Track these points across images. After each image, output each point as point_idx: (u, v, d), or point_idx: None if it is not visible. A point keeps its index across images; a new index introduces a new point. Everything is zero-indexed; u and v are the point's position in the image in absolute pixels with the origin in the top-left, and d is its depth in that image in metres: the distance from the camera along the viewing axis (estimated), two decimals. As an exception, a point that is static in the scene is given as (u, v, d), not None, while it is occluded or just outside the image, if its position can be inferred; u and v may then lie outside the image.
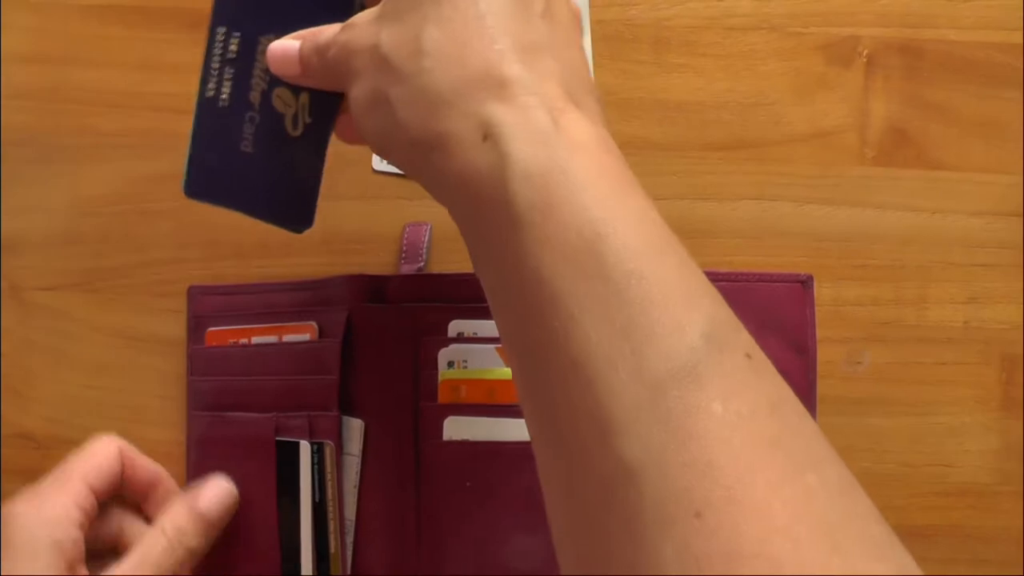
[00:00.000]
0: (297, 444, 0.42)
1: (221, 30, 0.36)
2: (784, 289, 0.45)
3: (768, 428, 0.23)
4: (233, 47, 0.36)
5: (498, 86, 0.27)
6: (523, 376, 0.27)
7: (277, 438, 0.42)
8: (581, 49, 0.31)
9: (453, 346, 0.43)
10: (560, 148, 0.26)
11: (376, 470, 0.43)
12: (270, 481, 0.42)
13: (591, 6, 0.47)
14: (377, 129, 0.30)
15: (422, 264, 0.45)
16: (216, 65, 0.36)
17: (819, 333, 0.46)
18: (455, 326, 0.43)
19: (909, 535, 0.44)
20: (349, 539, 0.43)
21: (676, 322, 0.24)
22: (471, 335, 0.43)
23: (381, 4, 0.31)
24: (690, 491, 0.22)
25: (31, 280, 0.47)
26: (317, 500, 0.42)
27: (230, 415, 0.43)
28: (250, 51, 0.36)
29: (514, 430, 0.42)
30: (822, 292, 0.46)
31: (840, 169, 0.47)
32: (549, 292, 0.25)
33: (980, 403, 0.46)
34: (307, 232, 0.45)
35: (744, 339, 0.25)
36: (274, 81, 0.35)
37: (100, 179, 0.47)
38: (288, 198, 0.36)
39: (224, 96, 0.36)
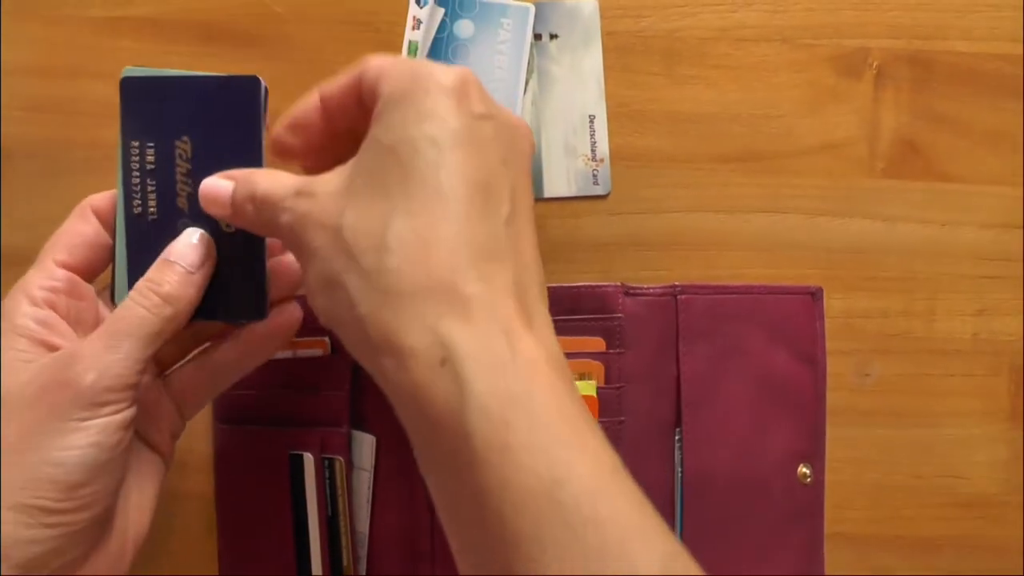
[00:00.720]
0: (302, 457, 0.42)
1: (135, 144, 0.36)
2: (794, 301, 0.45)
3: None
4: (150, 158, 0.36)
5: (459, 302, 0.27)
6: None
7: (290, 452, 0.42)
8: (535, 245, 0.31)
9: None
10: (518, 381, 0.27)
11: (390, 485, 0.43)
12: (284, 494, 0.43)
13: (603, 17, 0.47)
14: (328, 310, 0.30)
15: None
16: (137, 179, 0.36)
17: (829, 345, 0.46)
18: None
19: (918, 546, 0.44)
20: (363, 553, 0.43)
21: (632, 567, 0.25)
22: (484, 350, 0.43)
23: (348, 176, 0.30)
24: None
25: (43, 293, 0.47)
26: (329, 514, 0.42)
27: (247, 428, 0.43)
28: (168, 159, 0.36)
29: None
30: (832, 304, 0.46)
31: (850, 181, 0.47)
32: (510, 533, 0.26)
33: (989, 415, 0.47)
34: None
35: (695, 572, 0.27)
36: (195, 185, 0.35)
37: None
38: (237, 295, 0.36)
39: (152, 209, 0.36)
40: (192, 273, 0.34)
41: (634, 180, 0.47)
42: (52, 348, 0.33)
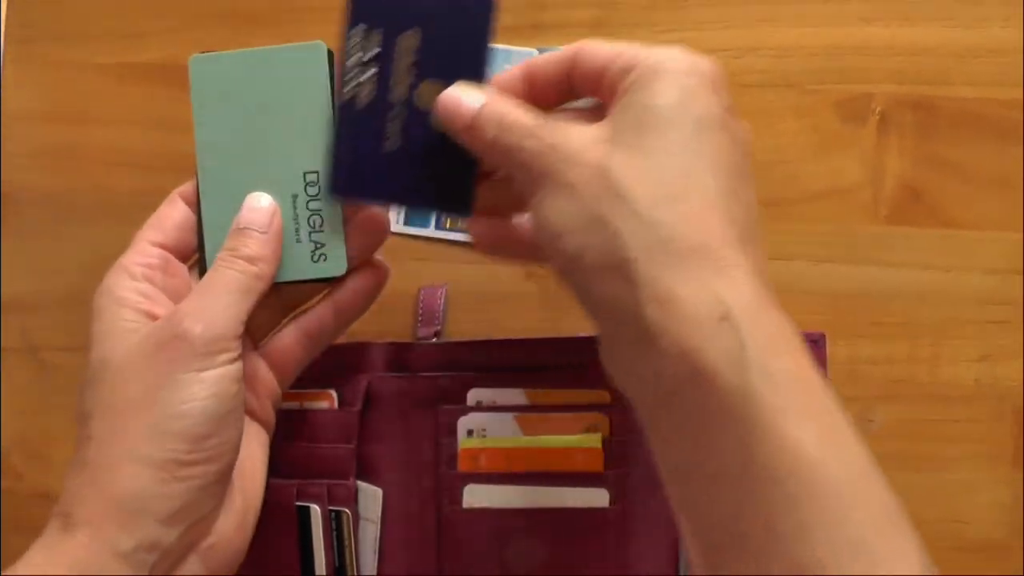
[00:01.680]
0: (309, 509, 0.43)
1: (359, 29, 0.36)
2: (799, 349, 0.46)
3: None
4: (372, 47, 0.36)
5: (729, 271, 0.28)
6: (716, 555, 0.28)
7: (297, 503, 0.43)
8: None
9: (472, 415, 0.43)
10: (784, 351, 0.28)
11: (397, 536, 0.43)
12: (292, 545, 0.43)
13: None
14: (581, 246, 0.30)
15: (439, 327, 0.45)
16: (354, 67, 0.36)
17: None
18: (474, 394, 0.43)
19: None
20: (371, 604, 0.43)
21: (900, 553, 0.26)
22: (490, 403, 0.43)
23: (610, 128, 0.31)
24: None
25: (50, 340, 0.47)
26: (337, 565, 0.43)
27: (254, 479, 0.43)
28: (389, 50, 0.36)
29: (532, 497, 0.42)
30: (837, 350, 0.46)
31: (854, 227, 0.47)
32: (780, 494, 0.26)
33: (993, 459, 0.47)
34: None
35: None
36: (417, 78, 0.35)
37: (118, 239, 0.46)
38: (441, 188, 0.36)
39: (364, 97, 0.36)
40: (265, 233, 0.36)
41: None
42: (154, 318, 0.35)
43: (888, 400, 0.47)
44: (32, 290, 0.47)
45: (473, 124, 0.33)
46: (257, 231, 0.36)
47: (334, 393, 0.44)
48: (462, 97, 0.33)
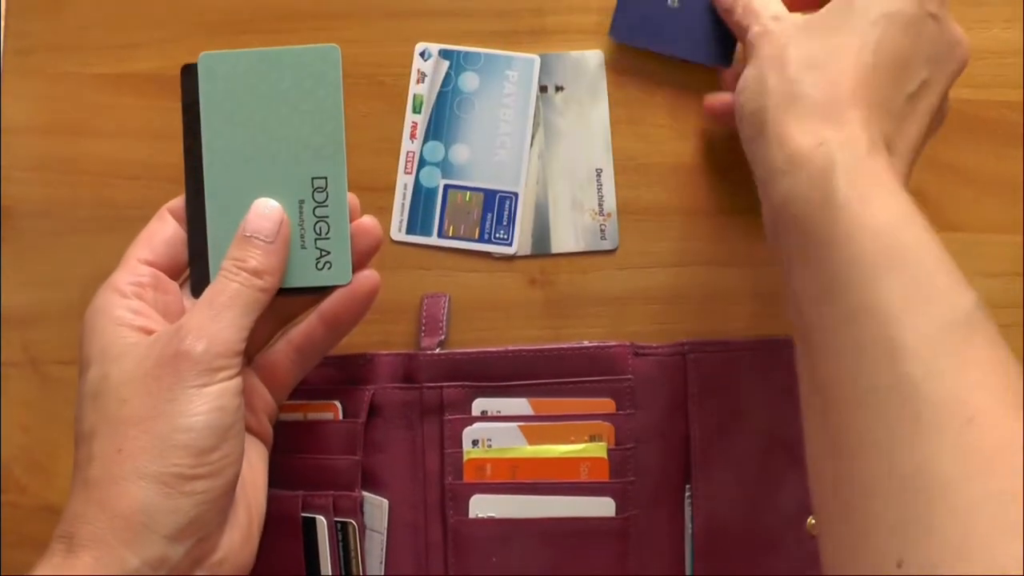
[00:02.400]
0: (315, 520, 0.43)
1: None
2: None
3: (1017, 374, 0.30)
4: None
5: (842, 121, 0.34)
6: (815, 317, 0.33)
7: (303, 515, 0.43)
8: (923, 130, 0.38)
9: (477, 425, 0.43)
10: (870, 165, 0.34)
11: (404, 546, 0.44)
12: (298, 556, 0.43)
13: (609, 69, 0.47)
14: (747, 100, 0.37)
15: (443, 337, 0.45)
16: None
17: (837, 396, 0.46)
18: (479, 404, 0.43)
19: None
20: (378, 614, 0.43)
21: (955, 290, 0.31)
22: (495, 413, 0.43)
23: (811, 17, 0.38)
24: (965, 402, 0.28)
25: (51, 353, 0.47)
26: (344, 576, 0.43)
27: (260, 491, 0.43)
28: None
29: (539, 507, 0.43)
30: (840, 355, 0.46)
31: (857, 232, 0.47)
32: (855, 254, 0.31)
33: (997, 462, 0.47)
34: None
35: (989, 313, 0.31)
36: None
37: (118, 251, 0.45)
38: (710, 44, 0.45)
39: None
40: (271, 243, 0.36)
41: (642, 234, 0.47)
42: (149, 333, 0.35)
43: (892, 404, 0.47)
44: (32, 303, 0.47)
45: (732, 6, 0.41)
46: (264, 240, 0.36)
47: (338, 404, 0.44)
48: None
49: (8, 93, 0.47)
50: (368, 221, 0.38)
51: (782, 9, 0.40)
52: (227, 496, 0.34)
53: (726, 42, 0.45)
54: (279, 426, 0.44)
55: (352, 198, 0.38)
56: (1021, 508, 0.26)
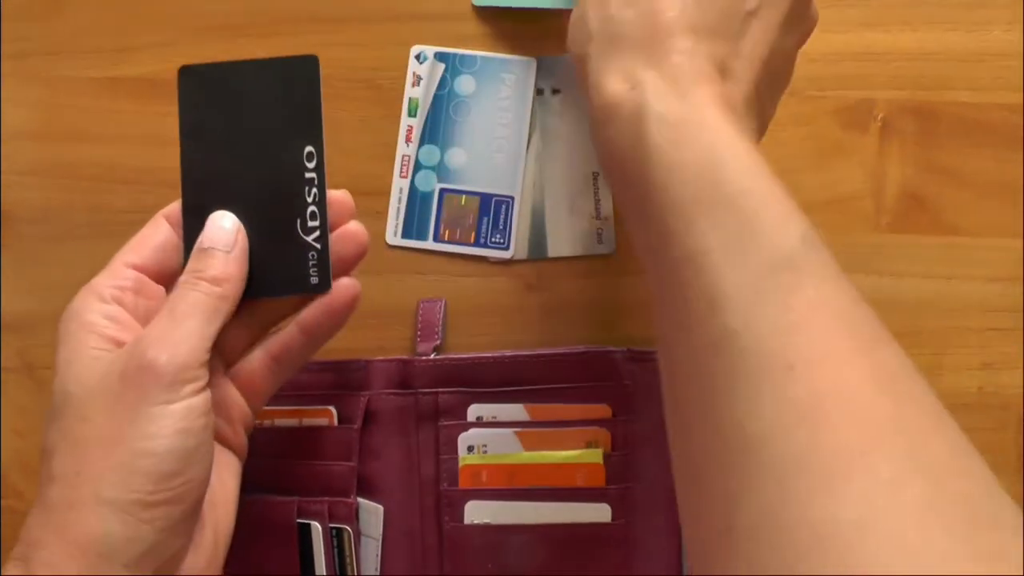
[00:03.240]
0: (310, 526, 0.42)
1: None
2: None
3: (850, 311, 0.28)
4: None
5: (662, 55, 0.32)
6: (651, 270, 0.32)
7: (298, 520, 0.43)
8: (773, 48, 0.34)
9: (473, 430, 0.43)
10: (690, 99, 0.31)
11: (399, 553, 0.43)
12: (293, 563, 0.43)
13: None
14: (573, 42, 0.36)
15: (438, 342, 0.45)
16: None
17: (836, 401, 0.46)
18: (474, 410, 0.43)
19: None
20: (373, 620, 0.43)
21: (778, 226, 0.28)
22: (490, 419, 0.43)
23: None
24: (784, 349, 0.26)
25: (47, 359, 0.46)
26: (339, 583, 0.43)
27: (255, 497, 0.43)
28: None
29: (534, 513, 0.42)
30: (839, 360, 0.46)
31: (856, 236, 0.47)
32: (672, 200, 0.30)
33: (997, 468, 0.45)
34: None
35: (824, 243, 0.29)
36: None
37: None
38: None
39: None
40: (229, 252, 0.35)
41: (639, 238, 0.46)
42: (121, 344, 0.34)
43: (890, 409, 0.46)
44: (29, 309, 0.47)
45: None
46: (221, 250, 0.35)
47: (334, 410, 0.44)
48: None
49: (4, 98, 0.47)
50: (354, 227, 0.38)
51: None
52: (190, 520, 0.33)
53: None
54: (274, 431, 0.44)
55: (346, 199, 0.38)
56: (840, 460, 0.24)
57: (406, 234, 0.46)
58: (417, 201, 0.46)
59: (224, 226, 0.36)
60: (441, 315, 0.45)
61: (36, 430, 0.46)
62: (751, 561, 0.25)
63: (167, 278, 0.37)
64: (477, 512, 0.43)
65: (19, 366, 0.47)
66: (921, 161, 0.47)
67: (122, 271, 0.36)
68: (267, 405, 0.44)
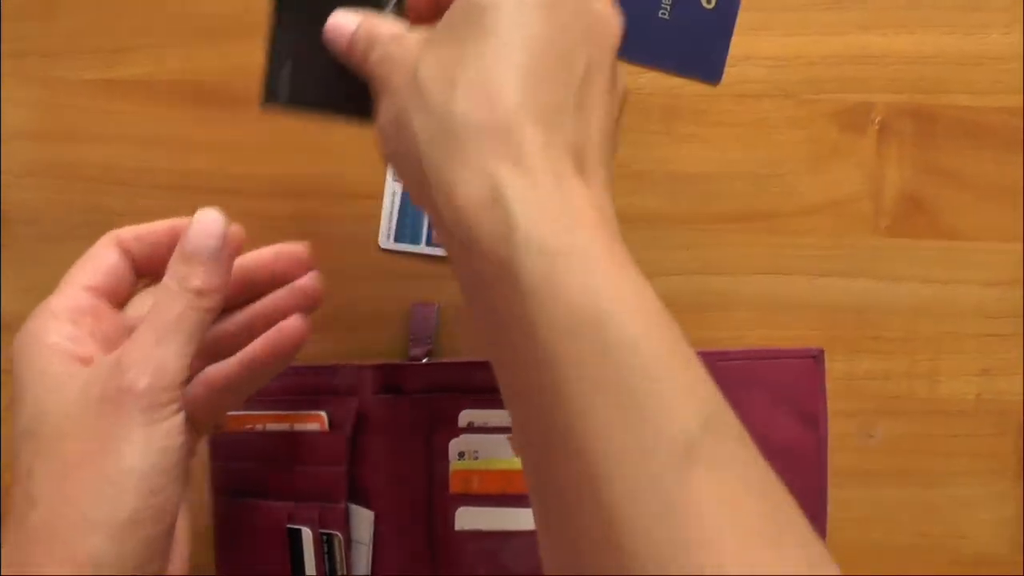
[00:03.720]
0: (300, 532, 0.42)
1: None
2: (796, 365, 0.45)
3: (757, 506, 0.25)
4: None
5: (514, 148, 0.28)
6: (515, 411, 0.28)
7: (288, 526, 0.42)
8: (607, 122, 0.31)
9: (464, 436, 0.43)
10: (563, 222, 0.27)
11: (389, 559, 0.43)
12: (284, 568, 0.42)
13: (600, 75, 0.46)
14: (393, 150, 0.31)
15: (431, 346, 0.44)
16: None
17: (832, 406, 0.45)
18: (465, 416, 0.43)
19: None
20: (363, 626, 0.43)
21: (675, 410, 0.25)
22: (481, 425, 0.43)
23: (435, 27, 0.31)
24: (686, 555, 0.23)
25: (41, 361, 0.47)
26: (329, 588, 0.42)
27: (246, 502, 0.43)
28: None
29: (525, 520, 0.42)
30: (835, 365, 0.46)
31: (854, 240, 0.46)
32: (550, 356, 0.26)
33: (995, 474, 0.46)
34: (315, 311, 0.45)
35: (735, 424, 0.26)
36: None
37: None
38: (700, 58, 0.44)
39: None
40: (216, 259, 0.33)
41: (634, 242, 0.45)
42: (87, 362, 0.33)
43: (888, 415, 0.46)
44: (25, 309, 0.47)
45: (350, 44, 0.34)
46: (209, 256, 0.33)
47: (325, 415, 0.43)
48: (337, 23, 0.34)
49: (3, 98, 0.47)
50: (308, 281, 0.37)
51: (400, 27, 0.33)
52: (169, 536, 0.33)
53: (716, 56, 0.44)
54: (265, 436, 0.44)
55: (296, 251, 0.37)
56: None
57: (399, 238, 0.46)
58: (410, 204, 0.46)
59: (210, 230, 0.34)
60: (435, 320, 0.45)
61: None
62: None
63: (120, 301, 0.36)
64: (468, 518, 0.42)
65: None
66: (919, 164, 0.46)
67: (77, 293, 0.34)
68: (259, 410, 0.44)
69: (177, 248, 0.33)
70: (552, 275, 0.26)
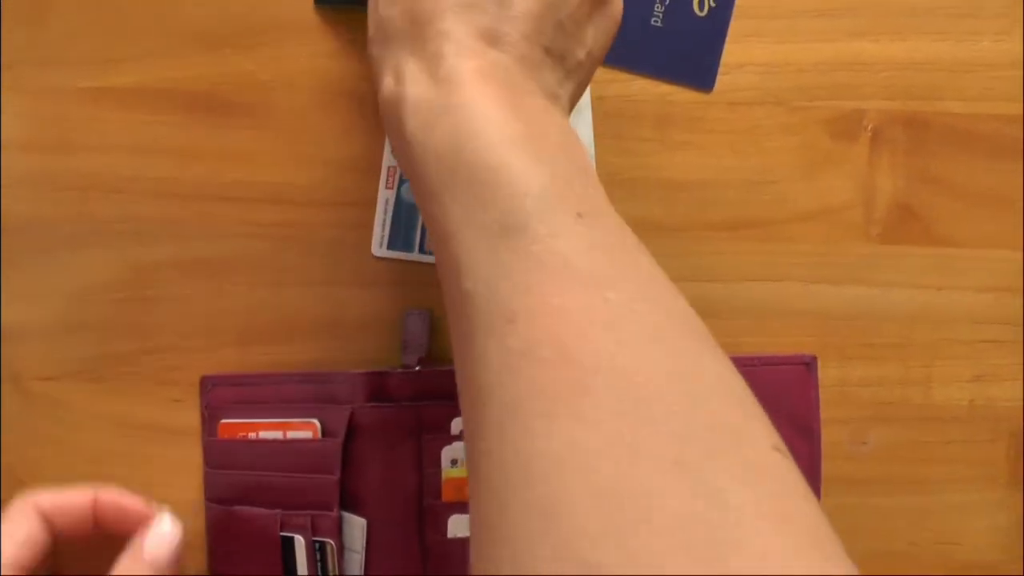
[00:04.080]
0: (293, 539, 0.42)
1: None
2: (788, 372, 0.45)
3: (583, 259, 0.28)
4: None
5: (422, 41, 0.32)
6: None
7: (281, 533, 0.42)
8: (539, 7, 0.33)
9: (456, 444, 0.43)
10: (441, 86, 0.31)
11: (382, 567, 0.43)
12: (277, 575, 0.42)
13: (592, 82, 0.46)
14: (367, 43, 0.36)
15: (423, 353, 0.44)
16: None
17: (825, 413, 0.46)
18: (457, 423, 0.43)
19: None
20: (355, 635, 0.43)
21: (514, 190, 0.28)
22: (474, 432, 0.43)
23: None
24: (508, 303, 0.27)
25: (32, 369, 0.47)
26: (322, 597, 0.42)
27: (239, 509, 0.43)
28: None
29: (519, 528, 0.42)
30: (828, 372, 0.46)
31: (846, 247, 0.46)
32: (429, 187, 0.30)
33: (988, 481, 0.46)
34: (309, 319, 0.45)
35: (576, 199, 0.29)
36: None
37: (100, 266, 0.47)
38: (692, 65, 0.45)
39: None
40: (172, 566, 0.39)
41: (626, 249, 0.46)
42: None
43: (881, 422, 0.46)
44: (15, 319, 0.47)
45: None
46: (165, 564, 0.38)
47: (317, 423, 0.43)
48: None
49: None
50: (165, 528, 0.40)
51: None
52: None
53: (708, 63, 0.44)
54: (258, 444, 0.44)
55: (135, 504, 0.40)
56: (548, 402, 0.25)
57: (391, 245, 0.46)
58: (403, 212, 0.46)
59: (167, 540, 0.39)
60: (427, 327, 0.45)
61: (21, 440, 0.47)
62: (478, 501, 0.26)
63: (33, 568, 0.37)
64: (461, 526, 0.42)
65: (4, 376, 0.47)
66: (912, 171, 0.46)
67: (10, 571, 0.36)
68: (252, 418, 0.44)
69: (134, 548, 0.38)
70: (426, 121, 0.31)
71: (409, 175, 0.32)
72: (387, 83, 0.33)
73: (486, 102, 0.30)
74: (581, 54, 0.35)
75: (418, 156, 0.31)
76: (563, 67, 0.34)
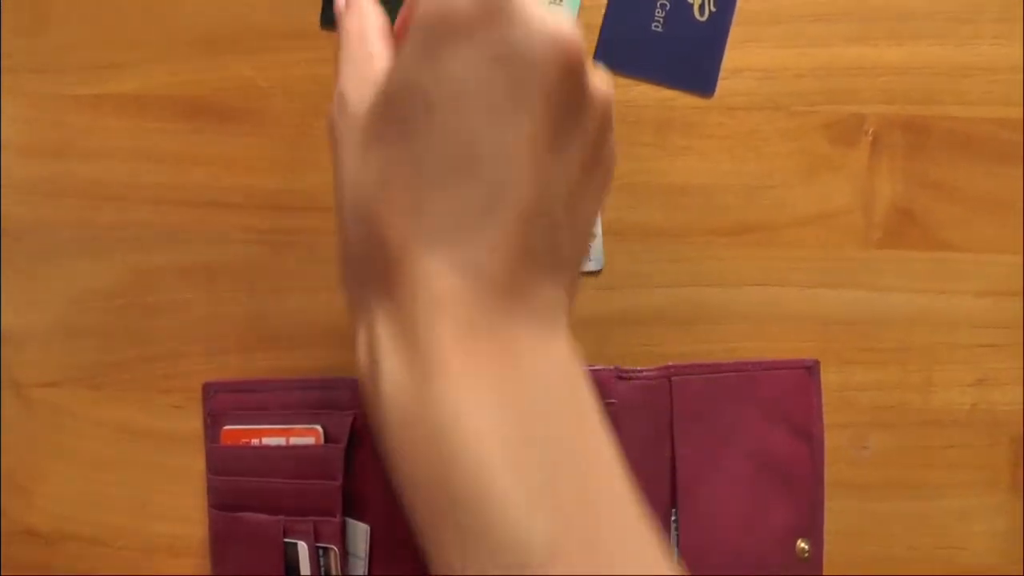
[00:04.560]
0: (296, 545, 0.42)
1: None
2: (790, 376, 0.45)
3: None
4: None
5: (402, 279, 0.27)
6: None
7: (284, 539, 0.42)
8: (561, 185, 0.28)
9: (458, 449, 0.42)
10: (417, 367, 0.26)
11: (385, 572, 0.43)
12: (279, 583, 0.42)
13: (592, 88, 0.46)
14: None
15: (426, 359, 0.44)
16: None
17: (825, 418, 0.46)
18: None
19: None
20: (358, 642, 0.43)
21: (512, 545, 0.25)
22: (476, 438, 0.43)
23: (371, 110, 0.28)
24: None
25: (32, 376, 0.47)
26: (325, 603, 0.42)
27: (242, 515, 0.43)
28: None
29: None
30: (828, 377, 0.46)
31: (846, 251, 0.46)
32: (413, 501, 0.27)
33: (989, 485, 0.46)
34: (310, 325, 0.45)
35: (585, 547, 0.26)
36: None
37: (100, 273, 0.47)
38: (693, 70, 0.45)
39: None
40: None
41: (626, 255, 0.46)
42: None
43: (881, 426, 0.46)
44: (15, 325, 0.47)
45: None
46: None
47: (320, 429, 0.43)
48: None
49: (-4, 114, 0.47)
50: None
51: (360, 71, 0.29)
52: None
53: (709, 68, 0.45)
54: (261, 450, 0.44)
55: None
56: None
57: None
58: (404, 218, 0.46)
59: None
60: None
61: (21, 447, 0.46)
62: None
63: None
64: (463, 531, 0.42)
65: (4, 382, 0.47)
66: (911, 176, 0.47)
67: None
68: (255, 424, 0.44)
69: None
70: (404, 419, 0.27)
71: (390, 475, 0.28)
72: (361, 349, 0.28)
73: (468, 394, 0.26)
74: (577, 236, 0.30)
75: (397, 462, 0.27)
76: (558, 259, 0.29)
